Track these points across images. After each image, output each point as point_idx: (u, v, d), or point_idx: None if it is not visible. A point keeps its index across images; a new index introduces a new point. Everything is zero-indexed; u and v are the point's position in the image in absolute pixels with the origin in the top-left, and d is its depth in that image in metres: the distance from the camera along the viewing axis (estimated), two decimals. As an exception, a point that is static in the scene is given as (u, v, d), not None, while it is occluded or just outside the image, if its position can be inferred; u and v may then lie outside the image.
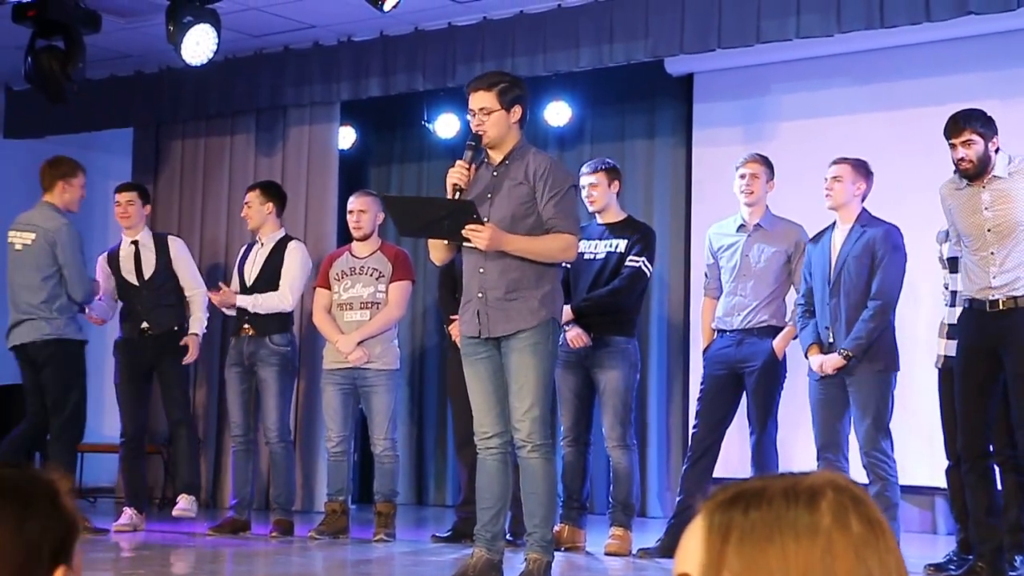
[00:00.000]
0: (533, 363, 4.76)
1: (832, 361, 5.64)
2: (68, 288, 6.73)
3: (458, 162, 4.83)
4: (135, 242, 7.08)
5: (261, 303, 6.86)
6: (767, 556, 1.13)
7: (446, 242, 4.93)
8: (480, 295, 4.82)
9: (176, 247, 7.14)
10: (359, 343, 6.59)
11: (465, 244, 4.80)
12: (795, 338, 5.95)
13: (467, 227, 4.65)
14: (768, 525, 1.13)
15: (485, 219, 4.75)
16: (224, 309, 7.05)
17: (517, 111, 4.88)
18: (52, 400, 6.72)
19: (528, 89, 5.04)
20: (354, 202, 6.83)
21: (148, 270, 7.02)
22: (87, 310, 6.98)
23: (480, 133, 4.86)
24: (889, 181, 6.75)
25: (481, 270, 4.81)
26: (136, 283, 7.01)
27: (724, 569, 1.13)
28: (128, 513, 6.91)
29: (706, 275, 6.36)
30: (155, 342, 6.96)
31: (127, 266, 7.05)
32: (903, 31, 6.76)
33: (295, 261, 6.94)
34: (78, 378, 6.80)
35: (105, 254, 7.22)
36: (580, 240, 5.50)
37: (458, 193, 4.78)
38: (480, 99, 4.86)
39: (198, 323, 7.05)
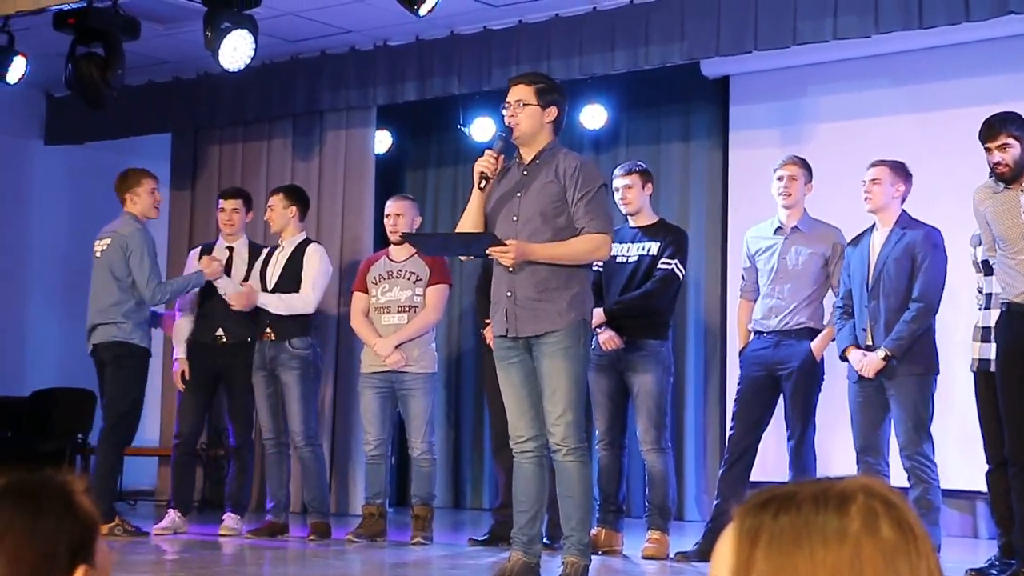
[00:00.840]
0: (565, 367, 4.75)
1: (873, 362, 5.60)
2: (139, 290, 6.80)
3: (486, 151, 4.86)
4: (231, 248, 7.11)
5: (284, 304, 6.85)
6: (794, 561, 1.12)
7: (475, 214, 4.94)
8: (509, 294, 4.83)
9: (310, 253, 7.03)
10: (396, 347, 6.61)
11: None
12: (833, 340, 5.92)
13: (492, 249, 4.72)
14: (796, 530, 1.13)
15: (514, 217, 4.81)
16: (234, 306, 6.92)
17: (552, 112, 4.90)
18: (108, 401, 6.84)
19: (566, 95, 5.05)
20: (391, 206, 6.85)
21: (235, 279, 7.02)
22: (159, 319, 7.10)
23: (512, 125, 4.87)
24: (926, 183, 6.69)
25: (510, 269, 4.82)
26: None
27: (753, 573, 1.13)
28: (171, 515, 6.94)
29: (743, 277, 6.34)
30: (227, 351, 6.96)
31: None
32: (941, 32, 6.71)
33: (315, 264, 6.94)
34: (136, 383, 6.84)
35: (199, 248, 7.24)
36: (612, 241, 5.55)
37: (484, 182, 4.84)
38: (517, 92, 4.90)
39: (267, 300, 6.89)
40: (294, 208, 7.04)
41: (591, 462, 4.85)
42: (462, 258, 5.31)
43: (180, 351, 7.03)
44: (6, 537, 1.37)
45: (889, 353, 5.57)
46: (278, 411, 6.97)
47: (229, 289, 6.91)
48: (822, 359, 6.00)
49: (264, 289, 6.96)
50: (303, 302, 6.89)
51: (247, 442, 7.07)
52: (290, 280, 6.92)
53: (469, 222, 4.95)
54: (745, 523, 1.16)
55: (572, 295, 4.79)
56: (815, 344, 5.96)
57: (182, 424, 7.05)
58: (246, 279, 7.02)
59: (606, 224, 4.85)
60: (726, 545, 1.17)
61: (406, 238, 6.30)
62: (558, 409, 4.74)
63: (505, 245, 4.71)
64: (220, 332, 6.96)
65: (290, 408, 6.87)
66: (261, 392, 6.95)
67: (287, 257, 6.98)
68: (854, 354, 5.69)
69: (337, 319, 8.27)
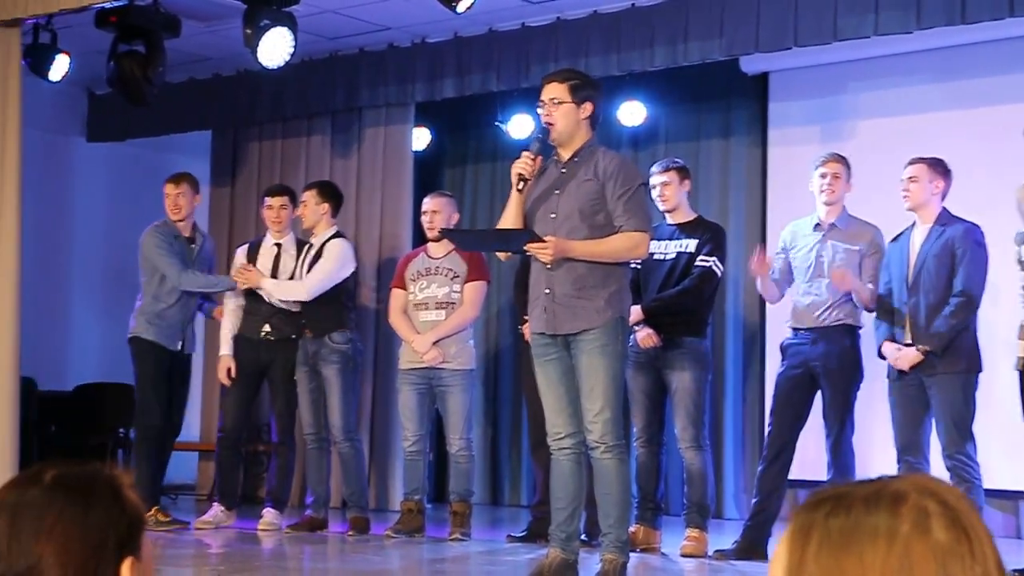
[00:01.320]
0: (603, 364, 4.75)
1: (909, 355, 5.57)
2: (171, 283, 6.91)
3: (524, 153, 4.88)
4: (278, 244, 7.11)
5: (280, 289, 6.88)
6: (842, 564, 1.11)
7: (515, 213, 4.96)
8: (547, 291, 4.83)
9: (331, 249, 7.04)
10: (434, 343, 6.62)
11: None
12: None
13: (530, 245, 4.73)
14: (847, 531, 1.11)
15: (552, 215, 4.82)
16: (240, 284, 6.93)
17: (587, 108, 4.90)
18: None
19: (603, 91, 5.06)
20: (428, 203, 6.86)
21: (284, 276, 7.01)
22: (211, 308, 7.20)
23: (548, 124, 4.88)
24: (968, 180, 6.65)
25: (548, 267, 4.82)
26: None
27: (804, 575, 1.12)
28: (215, 509, 6.98)
29: (776, 266, 6.21)
30: (272, 347, 6.97)
31: (264, 264, 7.03)
32: (982, 27, 6.64)
33: (331, 256, 6.92)
34: (141, 376, 6.95)
35: (246, 245, 7.25)
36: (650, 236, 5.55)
37: (522, 183, 4.85)
38: (552, 90, 4.91)
39: (274, 283, 6.93)
40: (326, 205, 7.04)
41: (629, 460, 4.85)
42: (501, 255, 5.31)
43: (225, 347, 7.06)
44: (56, 529, 1.38)
45: (927, 348, 5.53)
46: (320, 407, 6.99)
47: (275, 292, 6.92)
48: (860, 357, 5.95)
49: None
50: (298, 289, 6.89)
51: (289, 438, 7.09)
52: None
53: (508, 223, 4.96)
54: (798, 523, 1.15)
55: (610, 293, 4.79)
56: (853, 283, 5.83)
57: (226, 419, 7.09)
58: (292, 278, 7.01)
59: (644, 223, 4.84)
60: (782, 545, 1.16)
61: (444, 234, 6.29)
62: (596, 406, 4.74)
63: (544, 242, 4.71)
64: (267, 328, 6.98)
65: (330, 402, 6.90)
66: (303, 388, 6.97)
67: (314, 253, 7.00)
68: (888, 347, 5.66)
69: (375, 315, 8.29)
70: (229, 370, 7.00)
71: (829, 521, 1.13)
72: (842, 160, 6.08)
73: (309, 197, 7.06)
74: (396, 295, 6.88)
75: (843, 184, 6.03)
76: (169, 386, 7.00)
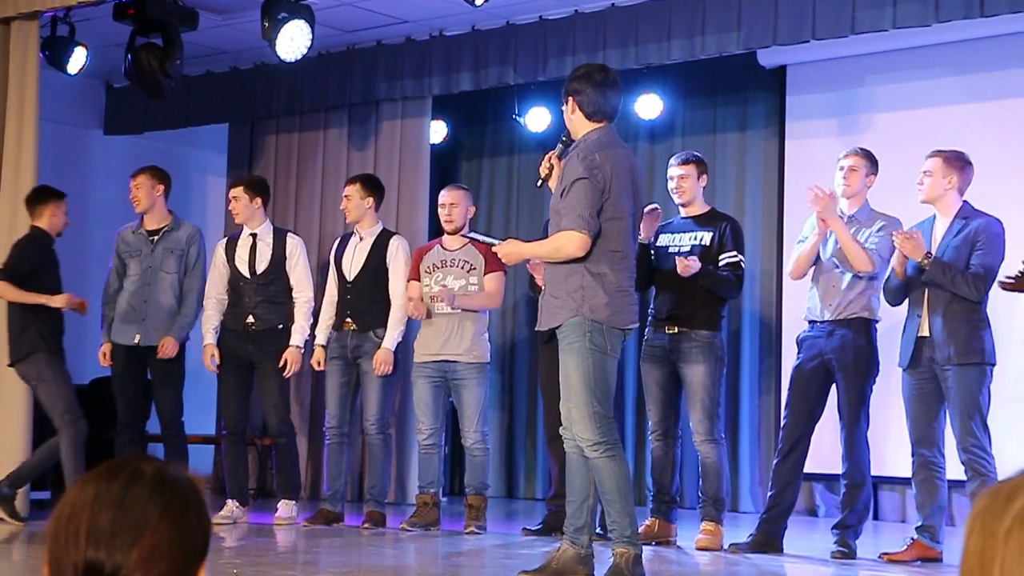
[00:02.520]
0: (571, 361, 4.73)
1: (912, 243, 5.59)
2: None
3: (548, 154, 4.97)
4: (254, 234, 7.09)
5: (476, 302, 6.72)
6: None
7: None
8: (543, 289, 4.94)
9: (292, 245, 7.08)
10: (457, 301, 6.64)
11: None
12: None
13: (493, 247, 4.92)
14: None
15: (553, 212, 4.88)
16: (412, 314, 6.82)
17: (570, 104, 4.86)
18: None
19: (590, 79, 4.90)
20: (445, 195, 6.86)
21: (261, 264, 7.00)
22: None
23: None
24: (986, 172, 6.62)
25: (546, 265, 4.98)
26: (247, 275, 6.99)
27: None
28: (230, 505, 6.98)
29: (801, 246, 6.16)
30: (257, 337, 6.96)
31: (241, 256, 7.04)
32: (1001, 20, 6.62)
33: (404, 260, 6.92)
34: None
35: (225, 240, 7.26)
36: (660, 234, 5.81)
37: (540, 181, 5.00)
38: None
39: (300, 333, 6.95)
40: (371, 199, 7.02)
41: (619, 454, 4.77)
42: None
43: (209, 336, 7.05)
44: (158, 530, 1.38)
45: (928, 260, 5.56)
46: (348, 401, 7.00)
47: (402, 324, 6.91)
48: (876, 350, 5.92)
49: (342, 279, 6.96)
50: (396, 306, 6.87)
51: (288, 428, 7.07)
52: (373, 272, 6.93)
53: None
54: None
55: (569, 291, 4.74)
56: (898, 240, 5.73)
57: (226, 413, 7.10)
58: (271, 266, 6.99)
59: (577, 220, 4.67)
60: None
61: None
62: (567, 405, 4.76)
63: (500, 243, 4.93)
64: (251, 319, 6.96)
65: (368, 396, 6.90)
66: (334, 380, 6.97)
67: (368, 248, 6.99)
68: (898, 237, 5.66)
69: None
70: (213, 356, 7.01)
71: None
72: (862, 154, 6.06)
73: (353, 191, 7.03)
74: (412, 287, 6.88)
75: (861, 178, 6.01)
76: (138, 382, 7.09)
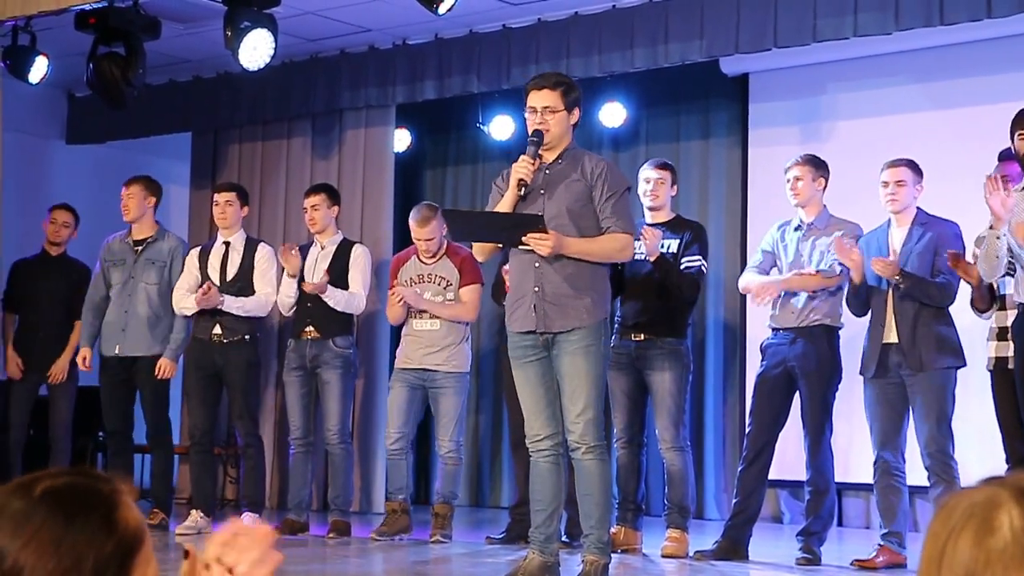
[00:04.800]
0: (586, 365, 4.76)
1: (891, 266, 5.61)
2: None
3: (523, 157, 4.88)
4: (227, 243, 7.08)
5: (343, 300, 6.85)
6: None
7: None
8: (536, 289, 4.82)
9: (263, 253, 7.07)
10: (433, 318, 6.68)
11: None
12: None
13: (530, 235, 4.70)
14: None
15: (540, 212, 4.83)
16: (306, 289, 6.87)
17: (576, 114, 4.97)
18: None
19: (582, 90, 5.08)
20: (421, 232, 6.70)
21: (231, 272, 6.99)
22: None
23: (543, 131, 4.88)
24: (946, 180, 6.69)
25: (537, 264, 4.82)
26: (218, 284, 6.96)
27: None
28: (194, 515, 6.93)
29: (761, 258, 6.20)
30: (224, 348, 6.92)
31: (213, 264, 7.02)
32: (960, 28, 6.69)
33: (364, 265, 6.99)
34: None
35: (198, 248, 7.22)
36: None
37: (523, 188, 4.85)
38: (545, 97, 4.90)
39: (238, 303, 6.88)
40: (336, 208, 7.09)
41: (610, 460, 4.85)
42: (480, 256, 5.24)
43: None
44: (30, 545, 1.31)
45: (901, 280, 5.61)
46: (311, 410, 6.98)
47: (337, 305, 6.86)
48: (839, 358, 5.96)
49: (302, 288, 6.93)
50: (359, 301, 6.92)
51: (255, 439, 7.06)
52: (335, 280, 6.92)
53: (488, 244, 5.02)
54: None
55: (598, 293, 4.84)
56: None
57: (192, 424, 7.07)
58: (239, 274, 6.97)
59: (630, 226, 4.91)
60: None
61: (445, 215, 6.25)
62: (577, 407, 4.75)
63: (547, 232, 4.71)
64: (217, 329, 6.93)
65: (328, 406, 6.89)
66: (295, 391, 6.96)
67: (330, 257, 6.99)
68: (875, 261, 5.69)
69: (358, 317, 8.27)
70: (85, 360, 7.11)
71: None
72: (807, 161, 6.09)
73: (320, 201, 7.04)
74: (400, 292, 6.82)
75: (809, 184, 6.04)
76: (124, 391, 7.07)
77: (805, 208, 6.07)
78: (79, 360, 7.12)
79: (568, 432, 4.80)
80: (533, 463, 4.90)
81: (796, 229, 6.12)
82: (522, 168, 4.83)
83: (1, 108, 7.10)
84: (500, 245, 5.06)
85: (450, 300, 6.74)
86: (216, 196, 7.19)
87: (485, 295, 6.94)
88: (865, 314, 5.89)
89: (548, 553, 4.84)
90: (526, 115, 4.96)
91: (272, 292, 7.01)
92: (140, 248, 7.09)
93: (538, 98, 4.90)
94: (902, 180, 5.80)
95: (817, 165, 6.09)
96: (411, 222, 6.80)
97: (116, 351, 7.00)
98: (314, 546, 6.61)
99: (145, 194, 7.11)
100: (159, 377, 6.92)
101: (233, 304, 6.87)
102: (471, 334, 8.93)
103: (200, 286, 6.90)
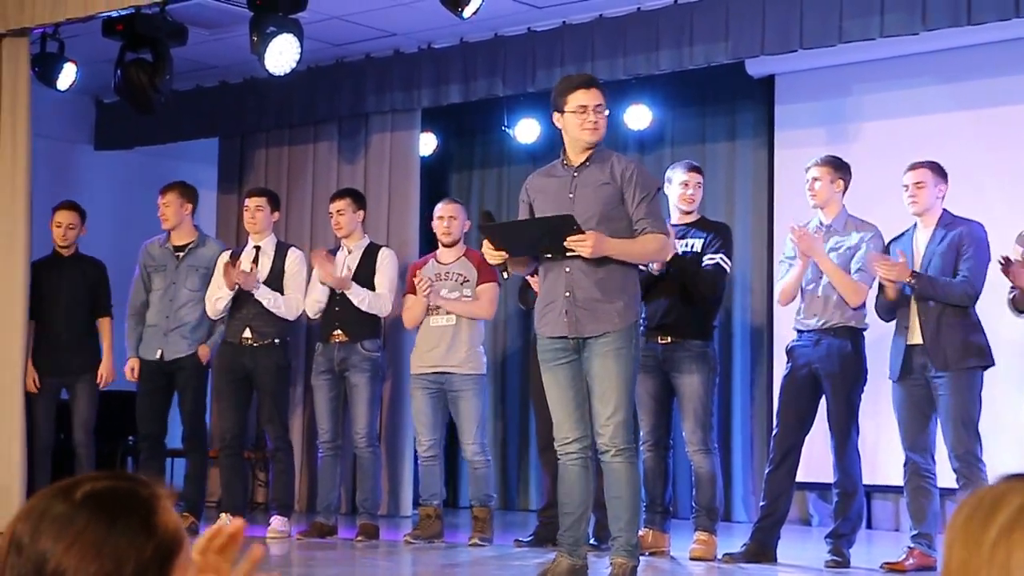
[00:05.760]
0: (616, 368, 4.77)
1: (898, 270, 5.58)
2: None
3: (484, 246, 4.93)
4: (257, 247, 7.13)
5: (369, 301, 6.89)
6: None
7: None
8: (568, 294, 4.83)
9: (292, 258, 7.12)
10: (450, 314, 6.75)
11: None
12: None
13: (569, 239, 4.70)
14: None
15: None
16: (334, 285, 6.91)
17: (606, 113, 4.99)
18: None
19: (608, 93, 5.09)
20: (443, 209, 6.92)
21: (261, 277, 7.03)
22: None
23: (596, 130, 4.88)
24: (973, 180, 6.67)
25: (567, 269, 4.83)
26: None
27: None
28: (223, 519, 6.93)
29: (787, 267, 6.19)
30: (254, 352, 6.98)
31: (244, 268, 7.05)
32: (987, 28, 6.66)
33: (390, 268, 7.02)
34: None
35: (229, 252, 7.26)
36: None
37: (505, 273, 5.09)
38: (596, 96, 4.90)
39: (270, 295, 6.91)
40: (362, 212, 7.12)
41: (639, 463, 4.87)
42: (507, 272, 5.26)
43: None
44: (73, 548, 1.33)
45: (916, 280, 5.58)
46: (339, 414, 7.02)
47: (362, 305, 6.90)
48: (864, 359, 5.94)
49: (332, 291, 6.95)
50: (385, 301, 6.95)
51: (285, 443, 7.11)
52: (362, 283, 6.95)
53: (522, 260, 5.05)
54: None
55: (630, 296, 4.85)
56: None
57: (222, 427, 7.11)
58: (270, 279, 7.02)
59: (664, 226, 4.96)
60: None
61: (483, 230, 6.19)
62: (608, 410, 4.76)
63: (583, 232, 4.71)
64: (248, 333, 6.98)
65: (356, 409, 6.93)
66: (323, 395, 7.00)
67: (357, 260, 7.03)
68: (880, 266, 5.66)
69: (384, 321, 8.30)
70: (133, 371, 7.14)
71: None
72: (825, 162, 6.08)
73: (345, 206, 7.08)
74: (408, 300, 6.92)
75: (827, 185, 6.03)
76: (162, 396, 7.13)
77: (824, 209, 6.06)
78: (127, 371, 7.15)
79: (598, 435, 4.80)
80: (561, 466, 4.92)
81: (816, 231, 6.11)
82: (491, 258, 4.92)
83: (29, 114, 7.15)
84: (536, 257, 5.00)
85: (467, 296, 6.77)
86: (247, 201, 7.25)
87: (507, 297, 6.97)
88: (893, 319, 5.89)
89: (576, 556, 4.85)
90: (564, 114, 4.90)
91: (301, 298, 7.04)
92: (181, 254, 7.16)
93: (589, 96, 4.87)
94: (921, 182, 5.80)
95: (836, 166, 6.07)
96: (438, 207, 6.93)
97: (158, 355, 7.07)
98: (342, 549, 6.65)
99: (182, 201, 7.19)
100: (200, 360, 7.02)
101: (266, 294, 6.91)
102: (494, 337, 9.04)
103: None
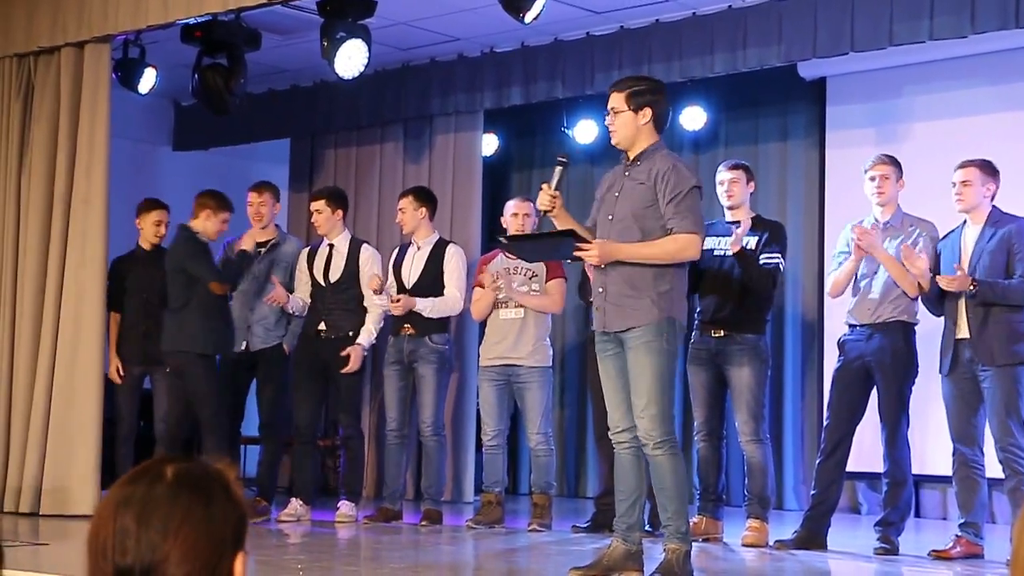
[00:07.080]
0: (647, 361, 4.82)
1: (961, 279, 5.66)
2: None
3: (543, 186, 5.02)
4: (331, 244, 7.33)
5: (436, 307, 7.08)
6: None
7: None
8: (601, 290, 4.96)
9: (366, 255, 7.30)
10: (517, 306, 6.89)
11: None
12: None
13: (575, 249, 4.87)
14: None
15: (610, 217, 4.95)
16: (395, 312, 7.10)
17: (646, 113, 4.95)
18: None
19: (664, 93, 5.11)
20: (518, 206, 7.07)
21: (335, 273, 7.22)
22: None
23: (611, 132, 5.04)
24: (1021, 180, 6.74)
25: (603, 267, 4.94)
26: (323, 283, 7.23)
27: None
28: (294, 504, 7.20)
29: (840, 260, 6.29)
30: (330, 345, 7.16)
31: (319, 265, 7.27)
32: (1035, 31, 6.73)
33: (458, 265, 7.18)
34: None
35: (307, 249, 7.48)
36: (706, 237, 5.53)
37: (542, 217, 5.09)
38: (611, 100, 5.03)
39: (366, 335, 7.16)
40: (424, 209, 7.22)
41: (680, 452, 4.89)
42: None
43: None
44: (183, 528, 1.40)
45: (976, 285, 5.63)
46: (407, 404, 7.22)
47: (432, 312, 7.07)
48: (915, 352, 6.05)
49: (400, 287, 7.15)
50: (454, 304, 7.13)
51: (356, 432, 7.31)
52: (430, 279, 7.14)
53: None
54: None
55: (659, 293, 4.84)
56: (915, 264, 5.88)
57: (298, 416, 7.28)
58: (344, 275, 7.20)
59: (695, 225, 4.86)
60: None
61: (511, 240, 6.13)
62: (641, 402, 4.82)
63: (589, 243, 4.85)
64: (323, 326, 7.18)
65: (423, 399, 7.10)
66: (393, 385, 7.20)
67: (425, 257, 7.21)
68: (941, 278, 5.76)
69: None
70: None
71: None
72: (889, 161, 6.18)
73: (406, 204, 7.23)
74: (477, 293, 7.12)
75: (893, 184, 6.13)
76: (239, 388, 7.33)
77: (884, 207, 6.17)
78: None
79: (637, 427, 4.87)
80: (616, 454, 5.03)
81: (871, 227, 6.17)
82: (541, 200, 4.98)
83: (112, 117, 7.35)
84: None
85: (535, 291, 6.96)
86: (310, 205, 7.47)
87: (570, 291, 7.15)
88: (942, 313, 5.98)
89: (631, 541, 4.95)
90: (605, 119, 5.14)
91: (459, 295, 7.17)
92: (263, 250, 7.38)
93: (609, 100, 5.05)
94: (967, 180, 5.86)
95: (898, 165, 6.18)
96: (511, 204, 7.11)
97: (243, 347, 7.29)
98: (407, 533, 6.81)
99: (274, 201, 7.43)
100: (270, 302, 7.16)
101: (425, 305, 7.06)
102: (555, 330, 9.22)
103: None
